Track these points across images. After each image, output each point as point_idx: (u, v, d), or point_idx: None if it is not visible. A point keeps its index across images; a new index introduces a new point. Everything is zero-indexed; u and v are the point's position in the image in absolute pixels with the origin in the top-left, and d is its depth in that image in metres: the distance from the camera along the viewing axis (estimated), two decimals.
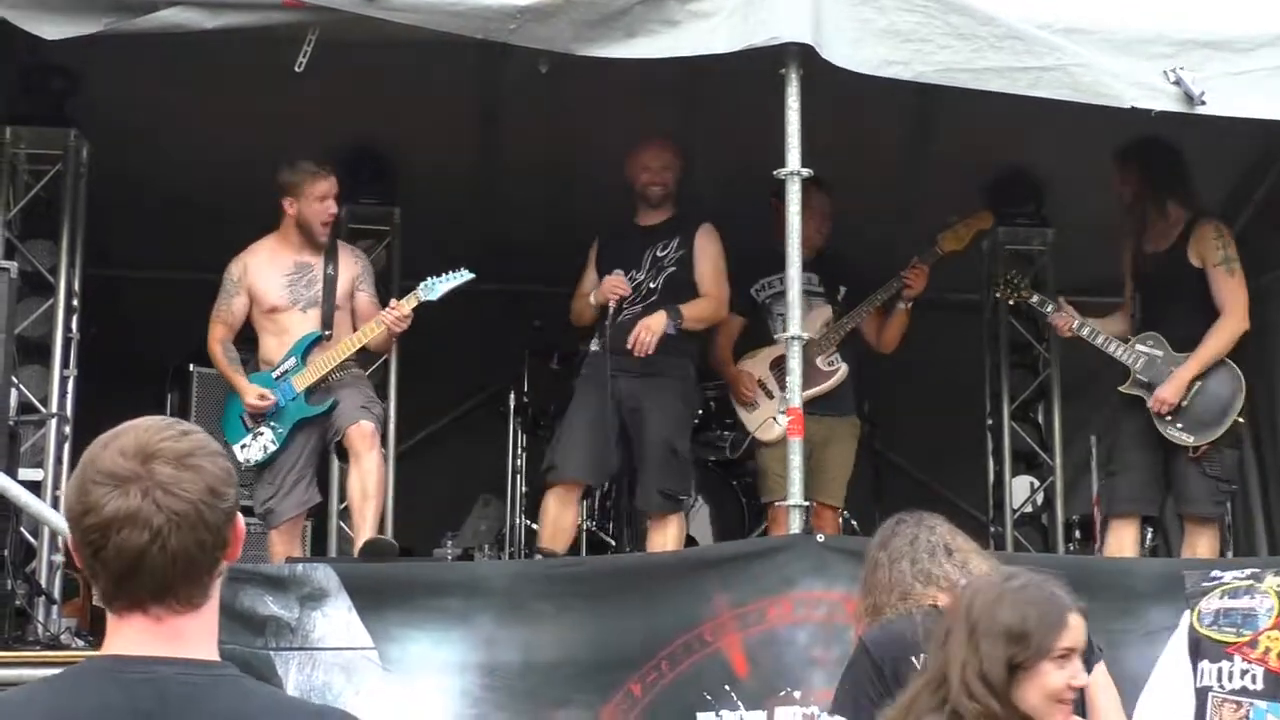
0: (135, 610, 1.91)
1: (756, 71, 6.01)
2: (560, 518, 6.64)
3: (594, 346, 6.89)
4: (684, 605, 5.64)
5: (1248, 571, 2.26)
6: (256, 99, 7.10)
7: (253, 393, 6.48)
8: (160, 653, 1.90)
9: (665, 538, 6.68)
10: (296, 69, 5.74)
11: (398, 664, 5.53)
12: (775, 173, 5.94)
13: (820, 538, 5.81)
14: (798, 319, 5.95)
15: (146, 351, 8.22)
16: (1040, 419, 8.27)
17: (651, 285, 6.84)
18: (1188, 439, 6.58)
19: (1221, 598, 2.20)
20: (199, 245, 8.23)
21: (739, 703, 5.52)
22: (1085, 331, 6.76)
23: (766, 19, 5.77)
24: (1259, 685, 2.13)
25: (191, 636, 1.92)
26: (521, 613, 5.63)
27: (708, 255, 6.89)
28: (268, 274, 6.64)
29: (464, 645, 5.56)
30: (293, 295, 6.62)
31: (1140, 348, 6.68)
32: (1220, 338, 6.64)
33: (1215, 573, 2.29)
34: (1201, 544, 6.64)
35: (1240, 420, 6.75)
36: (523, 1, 5.64)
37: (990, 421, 8.26)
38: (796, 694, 5.52)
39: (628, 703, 5.52)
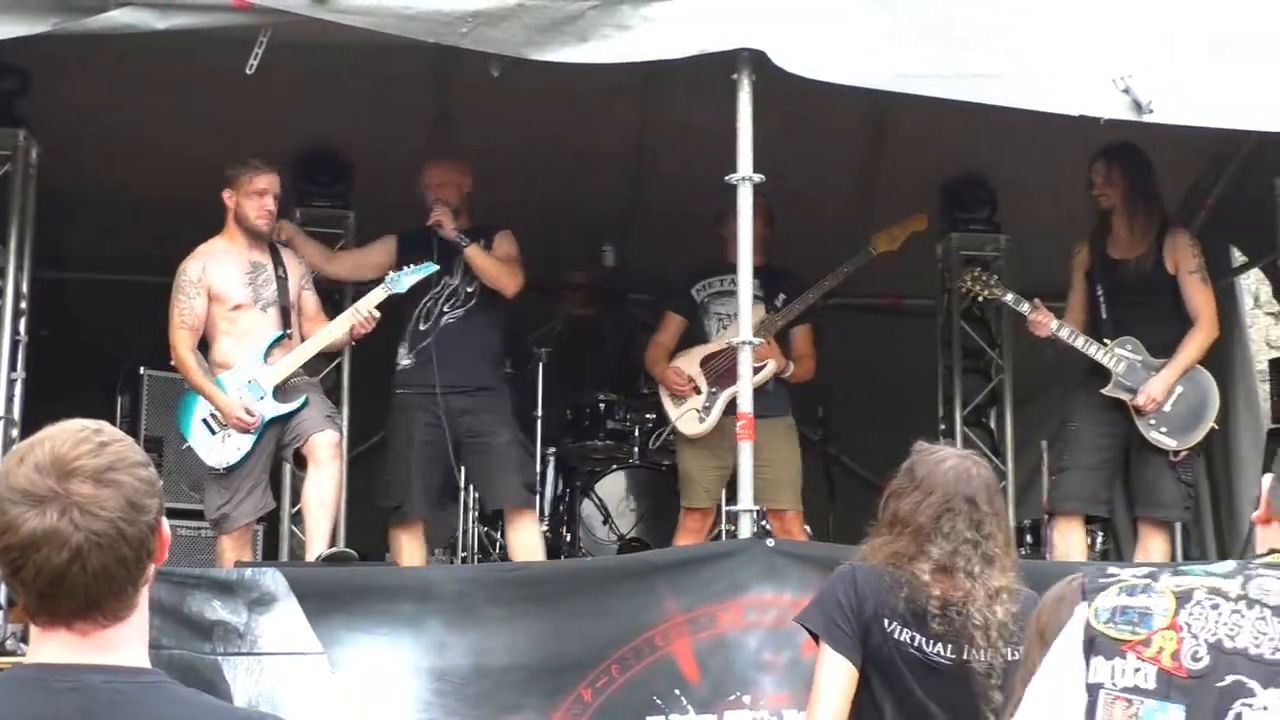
0: (59, 626, 1.89)
1: (713, 75, 6.02)
2: (417, 557, 6.79)
3: (405, 361, 6.92)
4: (635, 610, 5.64)
5: (1145, 570, 2.26)
6: (209, 101, 7.07)
7: (237, 407, 6.35)
8: (88, 660, 1.88)
9: (533, 532, 6.84)
10: (248, 71, 5.71)
11: (347, 669, 5.50)
12: (727, 178, 5.95)
13: (770, 542, 5.83)
14: (748, 325, 5.96)
15: (97, 354, 8.17)
16: (993, 424, 8.31)
17: (469, 290, 6.92)
18: (1170, 443, 6.65)
19: (1119, 595, 2.20)
20: (150, 248, 8.19)
21: (689, 707, 5.52)
22: (1064, 332, 6.76)
23: (719, 25, 5.78)
24: (1151, 684, 2.13)
25: (120, 644, 1.90)
26: (472, 617, 5.61)
27: (501, 246, 7.02)
28: (227, 272, 6.54)
29: (414, 650, 5.55)
30: (254, 293, 6.55)
31: (1120, 351, 6.72)
32: (1197, 345, 6.72)
33: (1112, 570, 2.29)
34: (1157, 547, 6.70)
35: (1215, 426, 6.81)
36: (474, 5, 5.62)
37: (943, 426, 8.28)
38: (746, 698, 5.52)
39: (578, 707, 5.51)
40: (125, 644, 1.91)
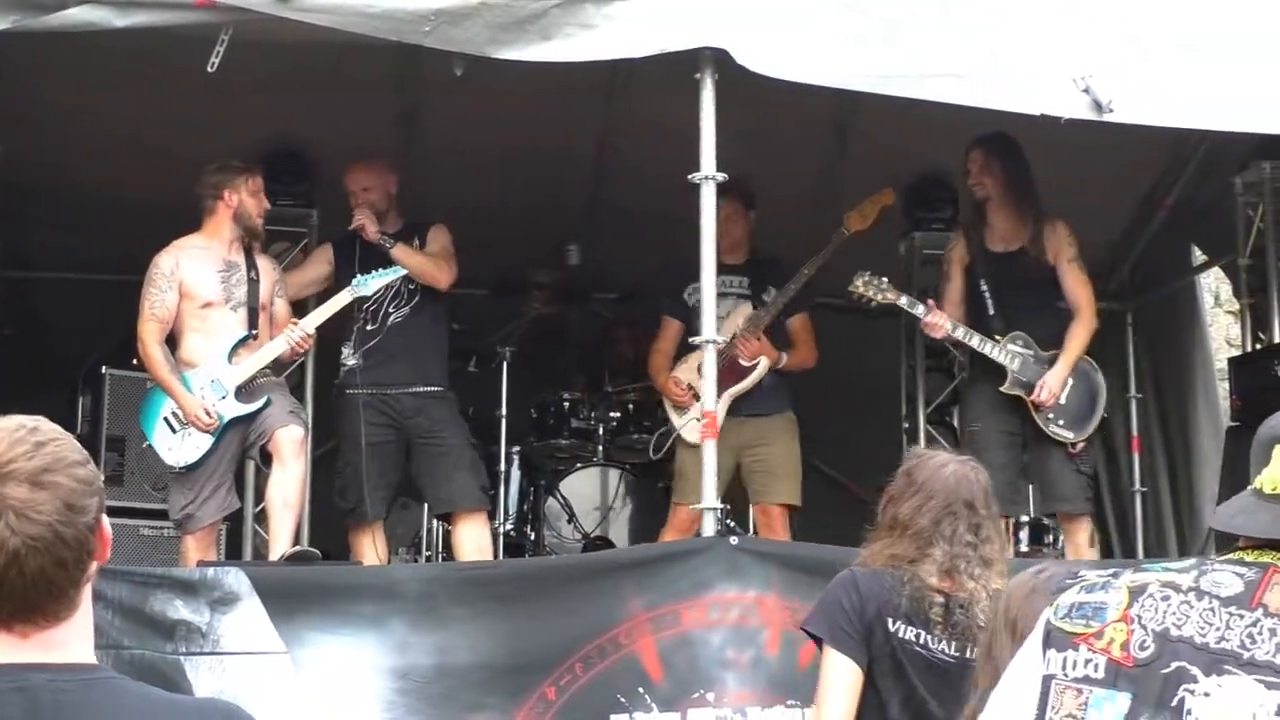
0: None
1: (677, 75, 6.03)
2: (378, 557, 6.75)
3: (351, 360, 6.94)
4: (599, 608, 5.65)
5: (1110, 569, 2.32)
6: (171, 99, 7.03)
7: (196, 407, 6.33)
8: (30, 660, 1.86)
9: (484, 533, 6.84)
10: (209, 69, 5.68)
11: (310, 668, 5.50)
12: (690, 177, 5.97)
13: (734, 540, 5.84)
14: (712, 324, 5.98)
15: (59, 353, 8.13)
16: (955, 422, 8.34)
17: (410, 287, 6.92)
18: (1069, 435, 6.72)
19: (1079, 592, 2.26)
20: (113, 247, 8.15)
21: (653, 705, 5.53)
22: (960, 333, 6.78)
23: (682, 23, 5.79)
24: (1100, 674, 2.18)
25: (63, 642, 1.88)
26: (436, 616, 5.61)
27: (436, 240, 7.05)
28: (201, 269, 6.53)
29: (377, 649, 5.54)
30: (225, 292, 6.54)
31: (1012, 348, 6.76)
32: (1083, 336, 6.79)
33: (1083, 572, 2.35)
34: (1081, 538, 6.85)
35: (1105, 415, 6.89)
36: (437, 4, 5.62)
37: (906, 424, 8.32)
38: (710, 696, 5.54)
39: (541, 706, 5.52)
40: (68, 642, 1.89)
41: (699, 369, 7.10)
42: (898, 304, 6.96)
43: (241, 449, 6.51)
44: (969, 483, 3.81)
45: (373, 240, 6.86)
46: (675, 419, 7.21)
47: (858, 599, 3.73)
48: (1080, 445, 6.71)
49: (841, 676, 3.70)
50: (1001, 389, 6.73)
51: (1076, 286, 6.78)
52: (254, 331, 6.57)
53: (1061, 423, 6.70)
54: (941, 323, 6.75)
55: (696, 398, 7.08)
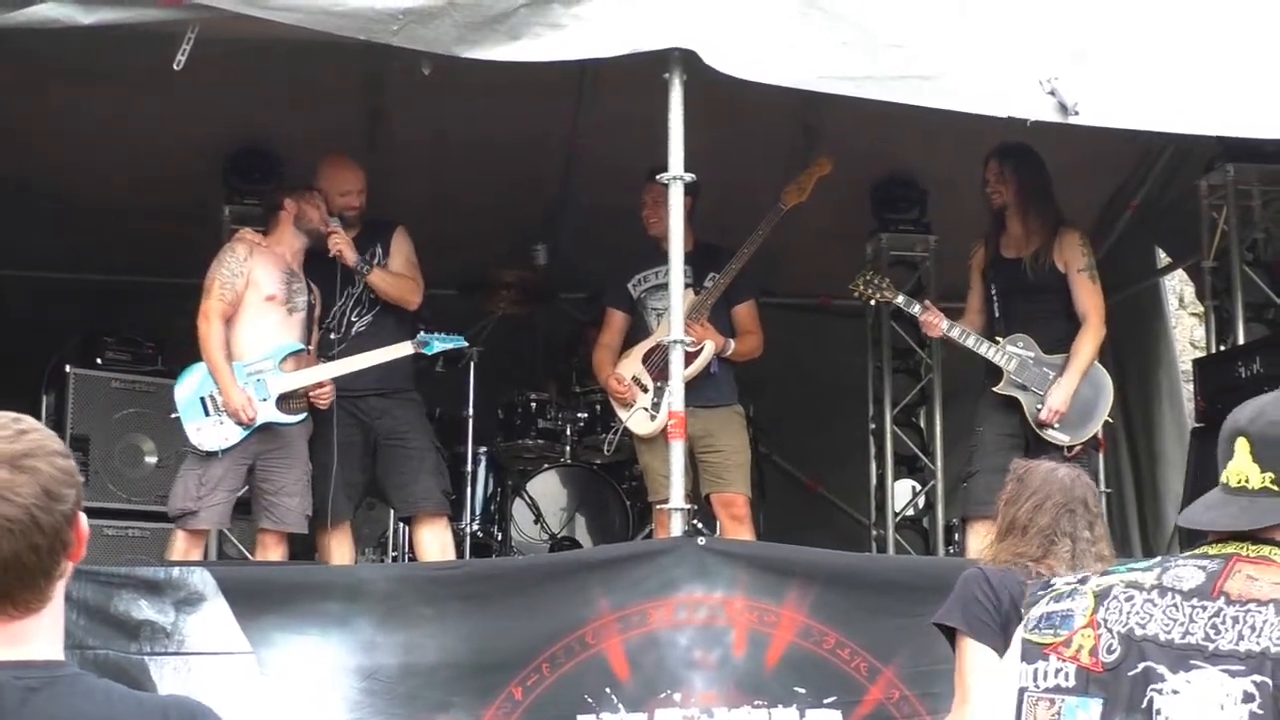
0: None
1: (643, 73, 6.03)
2: (344, 558, 6.74)
3: None
4: (566, 608, 5.63)
5: (1079, 577, 2.34)
6: (139, 97, 7.00)
7: (242, 399, 6.30)
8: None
9: (445, 536, 6.86)
10: (175, 67, 5.65)
11: (276, 668, 5.47)
12: (658, 177, 5.97)
13: (701, 541, 5.84)
14: (680, 323, 5.97)
15: (22, 352, 8.08)
16: (922, 423, 8.37)
17: (372, 295, 6.90)
18: (1063, 439, 6.69)
19: (1048, 603, 2.28)
20: (78, 245, 8.13)
21: (620, 705, 5.52)
22: (955, 332, 6.82)
23: (650, 24, 5.78)
24: (1071, 682, 2.20)
25: (32, 637, 1.87)
26: (402, 616, 5.58)
27: (400, 251, 7.01)
28: (268, 263, 6.55)
29: (343, 649, 5.52)
30: (287, 294, 6.55)
31: (1011, 349, 6.77)
32: (1091, 345, 6.77)
33: (1053, 581, 2.37)
34: None
35: (1110, 420, 6.90)
36: (405, 3, 5.60)
37: (873, 425, 8.35)
38: (677, 696, 5.53)
39: (508, 705, 5.50)
40: (38, 637, 1.88)
41: (642, 358, 7.11)
42: (895, 302, 7.06)
43: (250, 469, 6.45)
44: (1081, 484, 3.97)
45: (352, 267, 6.80)
46: (622, 413, 7.16)
47: (991, 591, 3.78)
48: (1076, 449, 6.66)
49: (986, 665, 3.67)
50: (995, 389, 6.75)
51: (1085, 297, 6.77)
52: (308, 347, 6.59)
53: (1056, 425, 6.68)
54: (937, 321, 6.80)
55: (644, 389, 7.07)
